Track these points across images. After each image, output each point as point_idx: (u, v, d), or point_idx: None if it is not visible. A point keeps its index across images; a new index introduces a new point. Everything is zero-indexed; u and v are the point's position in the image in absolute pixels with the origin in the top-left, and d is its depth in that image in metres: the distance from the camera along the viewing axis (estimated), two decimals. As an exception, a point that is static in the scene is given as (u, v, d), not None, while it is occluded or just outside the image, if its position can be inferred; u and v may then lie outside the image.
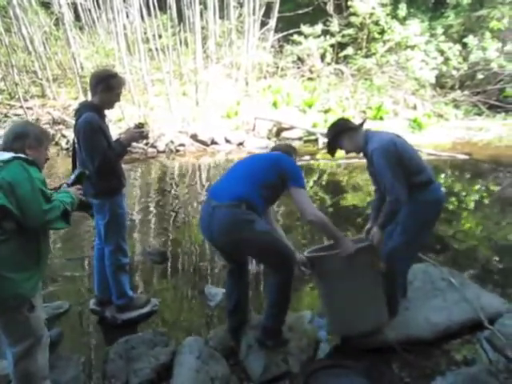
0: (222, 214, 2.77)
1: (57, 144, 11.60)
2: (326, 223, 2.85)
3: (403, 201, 2.91)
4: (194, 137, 11.67)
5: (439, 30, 15.00)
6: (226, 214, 2.76)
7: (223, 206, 2.78)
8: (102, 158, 3.13)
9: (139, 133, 3.36)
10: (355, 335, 3.08)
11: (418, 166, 3.06)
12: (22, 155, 2.25)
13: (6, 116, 12.92)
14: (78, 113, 3.23)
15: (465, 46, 14.59)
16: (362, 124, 3.29)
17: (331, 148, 3.33)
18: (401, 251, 3.11)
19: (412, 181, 3.00)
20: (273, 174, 2.89)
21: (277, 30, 16.22)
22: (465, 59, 14.57)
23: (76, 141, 3.24)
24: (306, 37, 15.37)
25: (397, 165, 2.93)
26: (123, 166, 3.52)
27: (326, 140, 3.43)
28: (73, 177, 2.67)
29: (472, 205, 6.92)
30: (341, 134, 3.22)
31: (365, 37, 15.65)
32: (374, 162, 3.03)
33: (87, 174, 2.77)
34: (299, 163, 3.28)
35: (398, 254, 3.11)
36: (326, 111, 13.41)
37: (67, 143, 10.95)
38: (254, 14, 14.89)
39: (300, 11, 15.85)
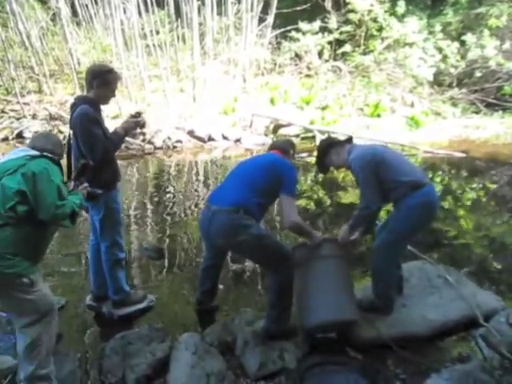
0: (220, 218, 2.92)
1: (53, 140, 11.58)
2: (302, 227, 3.07)
3: (372, 208, 3.07)
4: (191, 133, 11.67)
5: (437, 28, 15.00)
6: (225, 219, 2.90)
7: (222, 210, 2.92)
8: (102, 148, 3.12)
9: (135, 122, 3.36)
10: (317, 326, 3.02)
11: (401, 171, 3.08)
12: (50, 155, 2.57)
13: (2, 112, 12.88)
14: (74, 106, 3.21)
15: (463, 43, 14.58)
16: (348, 140, 3.39)
17: (321, 165, 3.46)
18: (385, 249, 3.14)
19: (396, 186, 3.04)
20: (271, 180, 3.02)
21: (274, 27, 16.18)
22: (463, 57, 14.56)
23: (72, 134, 3.22)
24: (303, 33, 15.34)
25: (372, 173, 3.03)
26: (120, 162, 3.51)
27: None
28: (76, 168, 2.82)
29: (468, 203, 6.93)
30: (328, 149, 3.35)
31: (363, 34, 15.64)
32: (352, 171, 3.16)
33: (91, 165, 2.86)
34: (296, 160, 3.34)
35: (382, 251, 3.15)
36: (324, 108, 13.41)
37: (64, 139, 10.88)
38: (251, 10, 14.86)
39: (298, 8, 15.85)
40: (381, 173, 3.04)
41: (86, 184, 2.83)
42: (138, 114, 3.41)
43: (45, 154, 2.53)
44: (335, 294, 3.04)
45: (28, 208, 2.37)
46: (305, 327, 3.08)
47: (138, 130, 9.25)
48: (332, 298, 3.01)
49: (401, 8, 15.14)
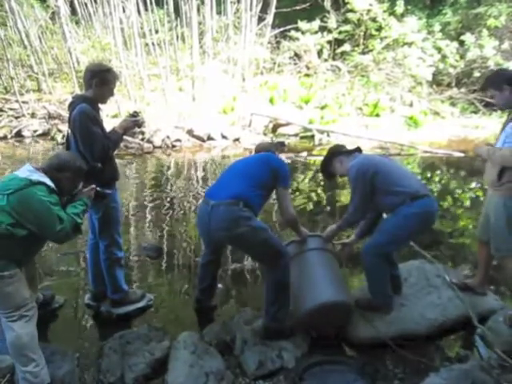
0: (220, 211, 2.91)
1: (52, 139, 11.61)
2: (297, 222, 3.26)
3: (358, 216, 3.30)
4: (190, 132, 11.64)
5: (436, 28, 15.01)
6: (225, 211, 2.90)
7: (221, 204, 2.92)
8: (101, 146, 3.12)
9: (134, 121, 3.37)
10: (315, 309, 3.02)
11: (400, 182, 3.11)
12: (48, 181, 2.58)
13: (1, 110, 12.87)
14: (72, 105, 3.21)
15: (462, 43, 14.59)
16: (355, 150, 3.43)
17: (325, 172, 3.57)
18: (376, 249, 3.15)
19: (394, 195, 3.07)
20: (267, 173, 3.08)
21: (274, 26, 16.13)
22: (462, 57, 14.57)
23: (71, 133, 3.21)
24: (303, 33, 15.33)
25: (366, 183, 3.10)
26: (119, 160, 3.51)
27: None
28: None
29: (467, 202, 6.94)
30: (332, 157, 3.42)
31: (362, 33, 15.64)
32: (348, 179, 3.26)
33: (99, 167, 2.96)
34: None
35: (372, 251, 3.16)
36: (323, 108, 13.39)
37: (63, 138, 10.86)
38: (251, 9, 14.84)
39: (297, 7, 15.79)
40: (377, 183, 3.08)
41: (93, 185, 2.87)
42: (136, 114, 3.42)
43: (42, 180, 2.55)
44: (330, 280, 3.15)
45: (27, 231, 2.51)
46: (302, 314, 3.08)
47: (137, 129, 9.22)
48: (328, 283, 3.12)
49: (400, 8, 15.16)
